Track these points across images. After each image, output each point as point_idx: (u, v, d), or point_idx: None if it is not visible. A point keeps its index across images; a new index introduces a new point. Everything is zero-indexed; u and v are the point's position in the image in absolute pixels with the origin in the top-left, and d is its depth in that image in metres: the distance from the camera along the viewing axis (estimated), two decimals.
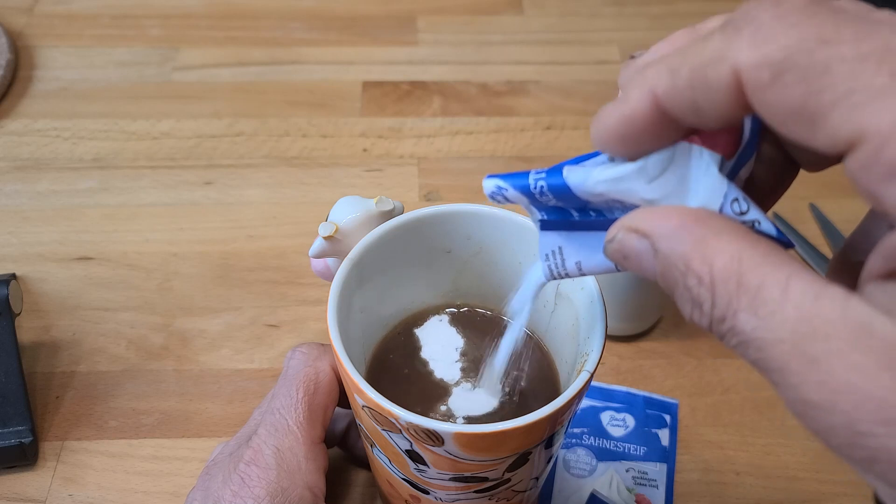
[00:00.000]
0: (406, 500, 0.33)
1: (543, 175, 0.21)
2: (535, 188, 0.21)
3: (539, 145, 0.58)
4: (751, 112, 0.16)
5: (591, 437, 0.42)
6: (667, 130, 0.18)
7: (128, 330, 0.46)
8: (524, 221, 0.32)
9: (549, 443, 0.29)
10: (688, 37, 0.18)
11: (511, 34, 0.67)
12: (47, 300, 0.48)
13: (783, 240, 0.18)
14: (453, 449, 0.26)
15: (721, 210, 0.18)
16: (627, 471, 0.41)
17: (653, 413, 0.43)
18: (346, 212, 0.31)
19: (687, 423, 0.43)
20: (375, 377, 0.33)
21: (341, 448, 0.40)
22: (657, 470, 0.41)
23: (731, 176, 0.18)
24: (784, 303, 0.16)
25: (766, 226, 0.18)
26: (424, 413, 0.29)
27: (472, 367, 0.33)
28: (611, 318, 0.42)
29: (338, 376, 0.33)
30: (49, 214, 0.52)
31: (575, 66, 0.64)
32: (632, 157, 0.19)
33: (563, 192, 0.20)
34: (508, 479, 0.29)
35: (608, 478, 0.40)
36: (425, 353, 0.34)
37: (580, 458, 0.41)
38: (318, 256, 0.32)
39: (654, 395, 0.44)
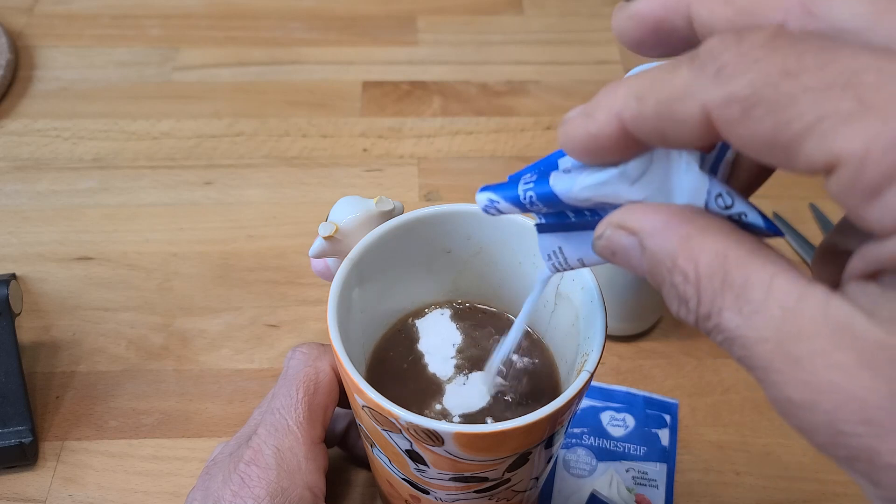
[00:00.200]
0: (406, 500, 0.33)
1: (532, 185, 0.21)
2: (525, 199, 0.21)
3: (539, 145, 0.58)
4: (720, 141, 0.16)
5: (591, 437, 0.42)
6: (632, 148, 0.18)
7: (128, 330, 0.46)
8: (524, 221, 0.32)
9: (549, 443, 0.29)
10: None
11: (511, 34, 0.67)
12: (47, 300, 0.48)
13: (772, 230, 0.18)
14: (453, 449, 0.26)
15: (706, 206, 0.18)
16: (627, 471, 0.41)
17: (653, 413, 0.43)
18: (346, 212, 0.31)
19: (687, 423, 0.43)
20: (375, 377, 0.33)
21: (341, 448, 0.40)
22: (657, 470, 0.41)
23: (714, 170, 0.18)
24: (768, 301, 0.16)
25: (753, 217, 0.18)
26: (421, 412, 0.29)
27: (466, 364, 0.33)
28: (611, 318, 0.42)
29: (338, 376, 0.33)
30: (49, 214, 0.52)
31: (575, 66, 0.64)
32: (602, 165, 0.19)
33: (552, 199, 0.21)
34: (508, 479, 0.29)
35: (608, 478, 0.40)
36: (422, 348, 0.34)
37: (580, 458, 0.41)
38: (318, 256, 0.32)
39: (654, 395, 0.44)
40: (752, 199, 0.19)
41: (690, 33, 0.18)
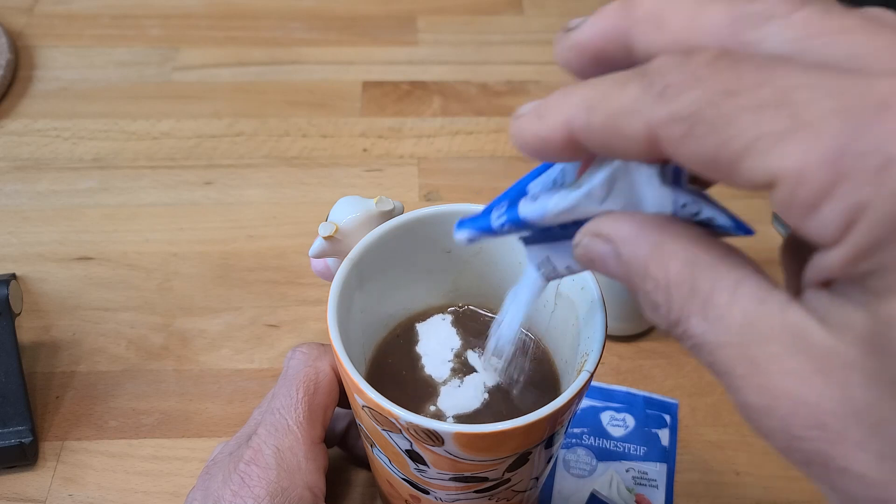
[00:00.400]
0: (406, 500, 0.33)
1: (504, 217, 0.22)
2: (501, 229, 0.22)
3: None
4: (664, 157, 0.16)
5: (591, 437, 0.42)
6: (579, 154, 0.18)
7: (128, 330, 0.46)
8: None
9: (549, 443, 0.29)
10: (618, 10, 0.18)
11: (511, 34, 0.67)
12: (47, 300, 0.48)
13: (742, 230, 0.18)
14: (453, 449, 0.26)
15: (675, 215, 0.18)
16: (627, 471, 0.41)
17: (653, 413, 0.43)
18: (346, 212, 0.31)
19: (687, 423, 0.43)
20: (375, 377, 0.33)
21: (341, 448, 0.40)
22: (657, 470, 0.41)
23: (676, 178, 0.18)
24: (731, 307, 0.16)
25: (723, 220, 0.18)
26: (417, 413, 0.29)
27: (463, 368, 0.33)
28: (611, 318, 0.42)
29: (338, 376, 0.33)
30: (49, 214, 0.52)
31: None
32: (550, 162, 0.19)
33: (525, 226, 0.21)
34: (508, 479, 0.29)
35: (608, 478, 0.40)
36: (421, 350, 0.34)
37: (580, 458, 0.41)
38: (318, 256, 0.32)
39: (654, 395, 0.44)
40: (744, 196, 0.19)
41: (631, 61, 0.18)
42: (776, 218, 0.52)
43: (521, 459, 0.28)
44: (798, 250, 0.18)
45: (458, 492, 0.30)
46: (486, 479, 0.29)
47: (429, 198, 0.54)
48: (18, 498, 0.39)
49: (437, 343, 0.34)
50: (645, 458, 0.41)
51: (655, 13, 0.17)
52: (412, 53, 0.65)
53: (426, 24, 0.68)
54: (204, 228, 0.52)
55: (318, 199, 0.54)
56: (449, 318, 0.35)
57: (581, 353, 0.29)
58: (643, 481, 0.40)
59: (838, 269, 0.15)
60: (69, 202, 0.53)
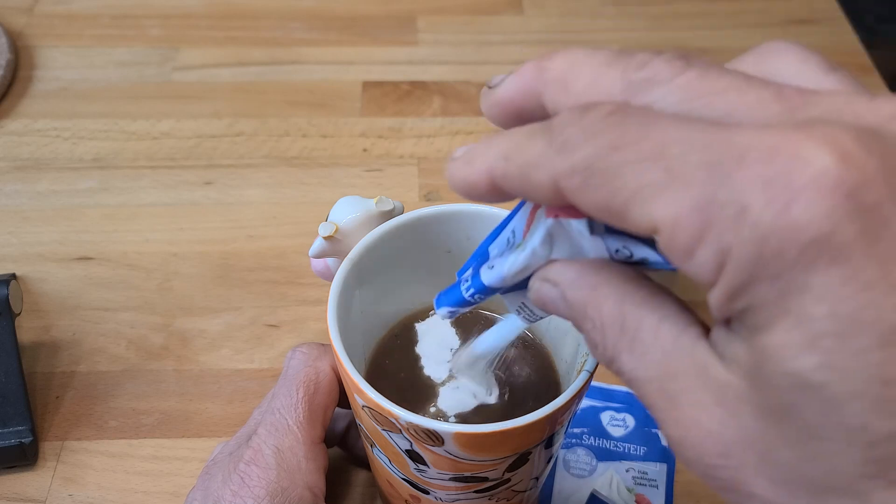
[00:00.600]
0: (406, 500, 0.33)
1: (472, 287, 0.23)
2: (473, 299, 0.24)
3: None
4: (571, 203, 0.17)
5: (591, 437, 0.42)
6: (504, 196, 0.19)
7: (128, 330, 0.46)
8: None
9: (549, 443, 0.29)
10: (532, 72, 0.20)
11: (511, 34, 0.67)
12: (47, 300, 0.48)
13: (669, 268, 0.19)
14: (453, 449, 0.26)
15: (612, 259, 0.19)
16: (627, 471, 0.41)
17: None
18: (346, 212, 0.31)
19: None
20: (375, 377, 0.33)
21: (341, 448, 0.40)
22: (657, 470, 0.41)
23: (608, 225, 0.19)
24: (654, 344, 0.17)
25: (654, 258, 0.19)
26: (417, 413, 0.29)
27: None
28: None
29: (338, 376, 0.33)
30: (49, 214, 0.52)
31: None
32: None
33: (490, 292, 0.23)
34: (508, 479, 0.29)
35: (608, 478, 0.40)
36: (420, 351, 0.34)
37: (580, 458, 0.41)
38: (318, 256, 0.32)
39: None
40: None
41: (546, 115, 0.19)
42: None
43: (521, 459, 0.28)
44: None
45: (458, 492, 0.30)
46: (486, 479, 0.29)
47: (429, 198, 0.54)
48: (18, 498, 0.39)
49: (436, 344, 0.34)
50: (645, 458, 0.41)
51: (562, 78, 0.19)
52: (412, 53, 0.65)
53: (426, 24, 0.68)
54: (204, 228, 0.52)
55: (318, 199, 0.54)
56: (448, 321, 0.35)
57: (581, 353, 0.29)
58: (643, 481, 0.40)
59: (717, 308, 0.16)
60: (69, 202, 0.53)
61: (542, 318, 0.24)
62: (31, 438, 0.40)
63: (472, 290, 0.23)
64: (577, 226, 0.19)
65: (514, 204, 0.23)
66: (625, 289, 0.18)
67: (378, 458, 0.31)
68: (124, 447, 0.41)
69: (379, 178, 0.55)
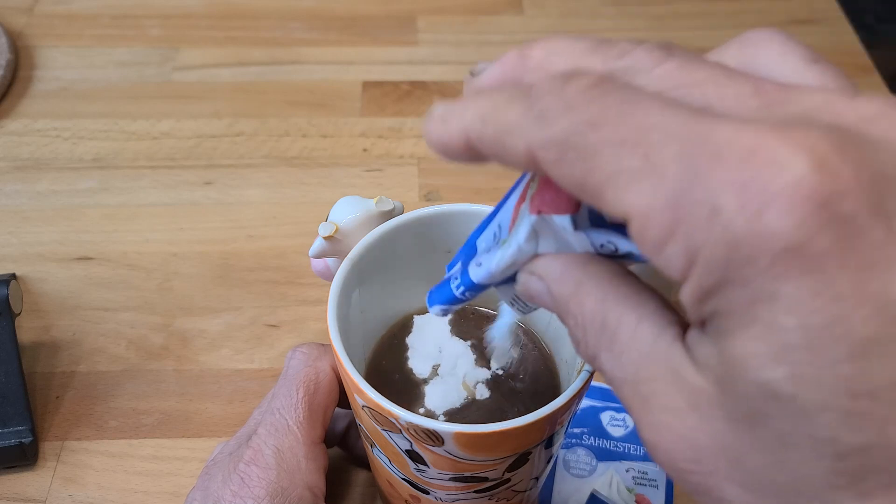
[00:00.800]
0: (406, 500, 0.33)
1: (461, 284, 0.23)
2: (464, 296, 0.24)
3: None
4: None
5: (591, 437, 0.42)
6: (480, 158, 0.19)
7: (128, 330, 0.46)
8: None
9: (549, 443, 0.29)
10: (514, 59, 0.19)
11: (511, 34, 0.67)
12: (47, 300, 0.48)
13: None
14: (453, 449, 0.26)
15: (598, 253, 0.19)
16: (627, 471, 0.41)
17: None
18: (346, 212, 0.31)
19: None
20: (375, 377, 0.33)
21: (341, 448, 0.40)
22: (657, 470, 0.41)
23: (594, 218, 0.19)
24: (631, 344, 0.17)
25: (639, 252, 0.18)
26: (415, 412, 0.29)
27: (443, 365, 0.33)
28: None
29: (338, 376, 0.33)
30: (49, 214, 0.52)
31: None
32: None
33: (481, 288, 0.23)
34: (508, 479, 0.29)
35: (608, 478, 0.40)
36: (410, 342, 0.34)
37: (580, 458, 0.41)
38: (318, 256, 0.32)
39: None
40: None
41: None
42: None
43: (521, 459, 0.28)
44: None
45: (458, 492, 0.30)
46: (486, 479, 0.29)
47: (429, 198, 0.54)
48: (18, 498, 0.39)
49: (426, 338, 0.34)
50: (645, 458, 0.41)
51: (543, 65, 0.18)
52: (412, 53, 0.65)
53: (426, 24, 0.68)
54: (204, 228, 0.52)
55: (318, 199, 0.54)
56: (449, 315, 0.35)
57: None
58: (643, 481, 0.40)
59: (689, 308, 0.16)
60: (69, 202, 0.53)
61: (535, 309, 0.24)
62: (31, 438, 0.40)
63: (462, 288, 0.23)
64: (561, 221, 0.19)
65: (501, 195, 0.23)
66: (608, 286, 0.18)
67: (378, 458, 0.31)
68: (124, 447, 0.41)
69: (379, 178, 0.55)
